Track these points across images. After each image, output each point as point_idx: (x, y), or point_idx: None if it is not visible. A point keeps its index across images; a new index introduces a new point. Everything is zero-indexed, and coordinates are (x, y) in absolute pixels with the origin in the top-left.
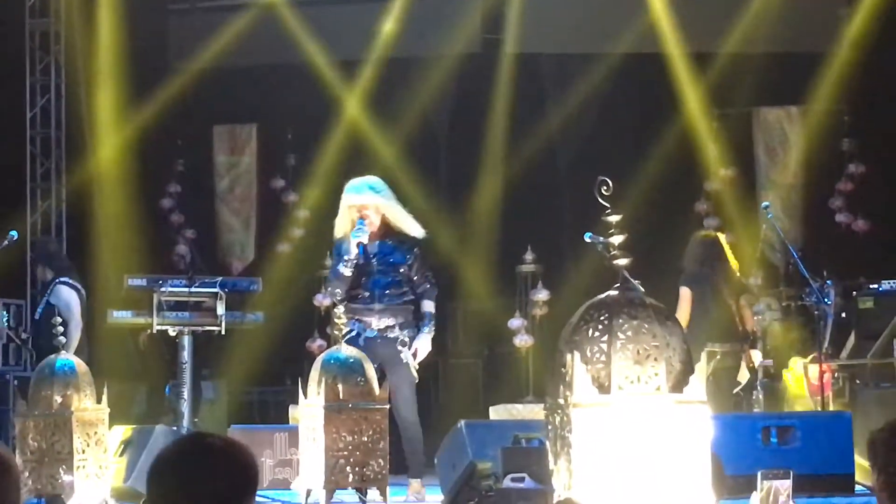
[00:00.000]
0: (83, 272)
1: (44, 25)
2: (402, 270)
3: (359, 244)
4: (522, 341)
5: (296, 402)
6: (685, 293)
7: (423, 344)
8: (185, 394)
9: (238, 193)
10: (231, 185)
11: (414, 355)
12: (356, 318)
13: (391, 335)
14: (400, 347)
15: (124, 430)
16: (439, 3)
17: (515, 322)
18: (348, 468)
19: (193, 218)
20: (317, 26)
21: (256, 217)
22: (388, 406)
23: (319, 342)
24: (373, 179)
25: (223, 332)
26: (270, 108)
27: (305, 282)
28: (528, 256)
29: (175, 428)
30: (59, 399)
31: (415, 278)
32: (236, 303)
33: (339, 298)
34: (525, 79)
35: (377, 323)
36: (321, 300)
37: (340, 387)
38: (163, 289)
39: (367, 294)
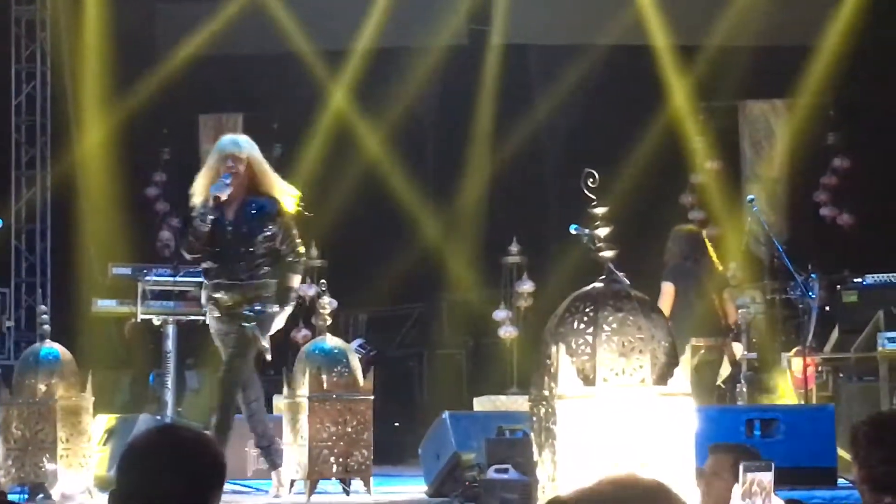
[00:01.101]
0: (68, 260)
1: (30, 13)
2: (264, 239)
3: (216, 198)
4: (507, 333)
5: (280, 392)
6: (668, 288)
7: (279, 321)
8: (169, 383)
9: None
10: None
11: (265, 332)
12: (209, 291)
13: (244, 310)
14: (246, 324)
15: (108, 419)
16: None
17: (500, 313)
18: (332, 459)
19: (179, 207)
20: (304, 16)
21: None
22: (371, 397)
23: (304, 332)
24: (245, 136)
25: (208, 322)
26: (257, 97)
27: None
28: (514, 248)
29: (159, 417)
30: (43, 387)
31: (281, 248)
32: None
33: (190, 258)
34: (512, 70)
35: (230, 297)
36: (306, 290)
37: (325, 377)
38: (147, 278)
39: (222, 264)
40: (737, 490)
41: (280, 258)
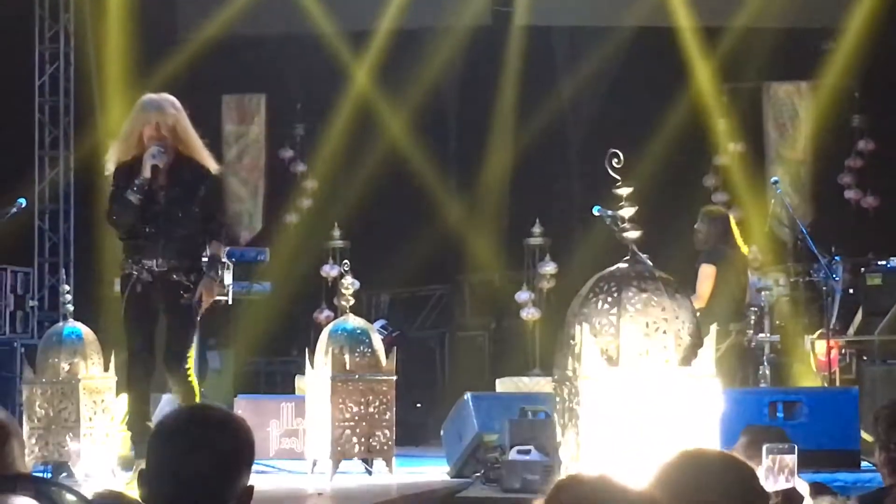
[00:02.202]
0: (90, 240)
1: None
2: (192, 205)
3: (155, 167)
4: (529, 314)
5: (302, 372)
6: (710, 270)
7: (207, 288)
8: None
9: (246, 163)
10: (239, 155)
11: (199, 301)
12: (136, 257)
13: (174, 278)
14: (183, 293)
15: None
16: None
17: (522, 295)
18: (354, 439)
19: None
20: None
21: (264, 187)
22: (394, 377)
23: (327, 313)
24: (171, 97)
25: (230, 302)
26: (279, 78)
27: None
28: (536, 229)
29: None
30: (66, 367)
31: (204, 216)
32: (244, 273)
33: (123, 233)
34: (535, 51)
35: (159, 263)
36: (328, 271)
37: (347, 357)
38: None
39: (151, 229)
40: (760, 472)
41: (210, 223)
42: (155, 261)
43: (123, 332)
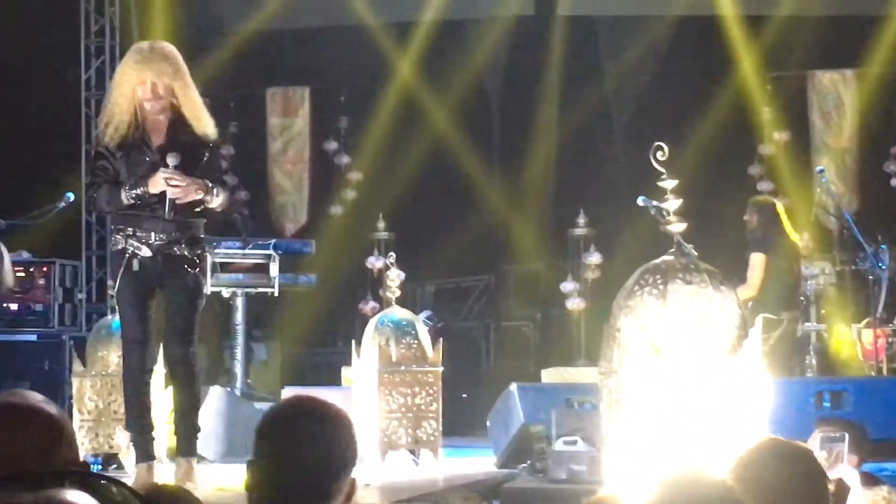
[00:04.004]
0: None
1: None
2: (194, 172)
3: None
4: (575, 304)
5: (348, 363)
6: (760, 259)
7: (198, 183)
8: (239, 355)
9: (291, 156)
10: (284, 148)
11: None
12: (132, 230)
13: (175, 252)
14: (187, 267)
15: None
16: None
17: (567, 285)
18: (401, 430)
19: (247, 180)
20: None
21: (309, 179)
22: (440, 369)
23: (372, 304)
24: (169, 47)
25: (276, 294)
26: (323, 70)
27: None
28: (581, 220)
29: (229, 389)
30: (115, 359)
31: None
32: (289, 265)
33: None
34: (579, 41)
35: (159, 237)
36: (373, 262)
37: (393, 349)
38: (217, 250)
39: (158, 198)
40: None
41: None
42: (154, 234)
43: (120, 318)
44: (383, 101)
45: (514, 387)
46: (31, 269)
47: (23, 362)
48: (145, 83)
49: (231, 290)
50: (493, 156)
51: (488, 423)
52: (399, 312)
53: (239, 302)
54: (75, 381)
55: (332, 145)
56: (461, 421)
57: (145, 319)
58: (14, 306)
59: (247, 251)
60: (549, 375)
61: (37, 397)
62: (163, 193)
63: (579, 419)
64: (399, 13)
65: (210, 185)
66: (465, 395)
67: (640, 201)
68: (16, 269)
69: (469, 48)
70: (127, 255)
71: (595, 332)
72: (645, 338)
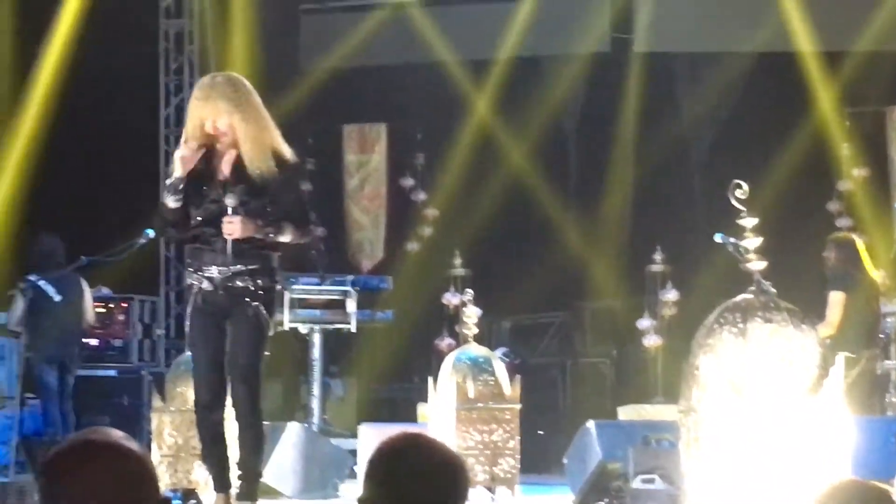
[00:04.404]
0: None
1: (178, 26)
2: (260, 203)
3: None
4: (651, 341)
5: (424, 399)
6: (839, 297)
7: (243, 222)
8: (316, 390)
9: (368, 192)
10: (361, 184)
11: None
12: (196, 264)
13: (238, 284)
14: (249, 300)
15: None
16: (568, 1)
17: (644, 322)
18: (478, 467)
19: (323, 216)
20: (447, 25)
21: (386, 216)
22: (518, 405)
23: (448, 341)
24: (231, 80)
25: (353, 330)
26: (400, 107)
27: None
28: (658, 256)
29: (306, 425)
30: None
31: (280, 215)
32: (366, 301)
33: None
34: (655, 78)
35: (221, 270)
36: (450, 299)
37: (470, 386)
38: (294, 286)
39: (210, 231)
40: None
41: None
42: (216, 267)
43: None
44: (460, 138)
45: (591, 424)
46: (111, 306)
47: (102, 397)
48: (207, 120)
49: (308, 325)
50: (569, 192)
51: (565, 461)
52: (476, 349)
53: (316, 338)
54: (154, 417)
55: (408, 182)
56: (538, 458)
57: (210, 354)
58: (94, 342)
59: (324, 287)
60: (626, 413)
61: (118, 434)
62: (216, 227)
63: (657, 457)
64: (476, 50)
65: (263, 223)
66: (541, 432)
67: (718, 238)
68: (96, 305)
69: (546, 85)
70: (193, 290)
71: (672, 370)
72: (724, 376)
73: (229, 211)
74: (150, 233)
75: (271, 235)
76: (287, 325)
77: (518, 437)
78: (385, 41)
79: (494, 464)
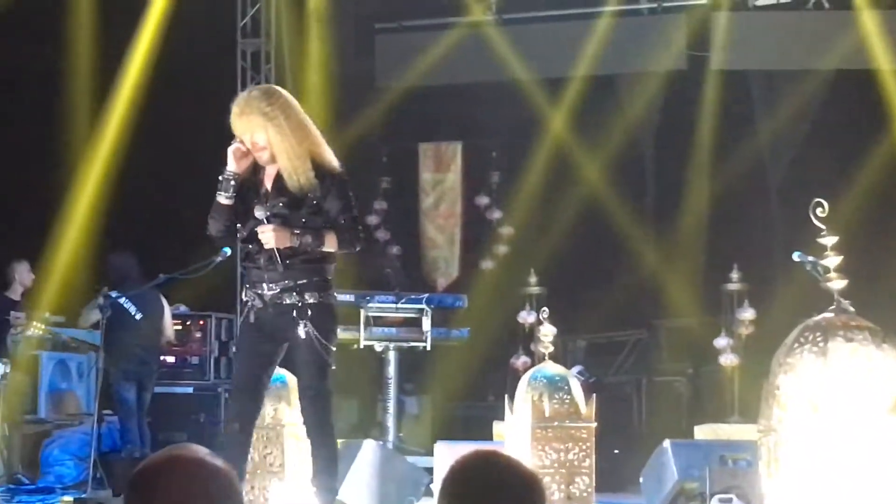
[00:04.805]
0: None
1: (254, 45)
2: (305, 216)
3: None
4: (728, 360)
5: (498, 417)
6: None
7: (278, 230)
8: (391, 408)
9: (443, 210)
10: (436, 202)
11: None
12: (250, 281)
13: (286, 301)
14: (298, 318)
15: None
16: (645, 20)
17: (721, 341)
18: (554, 486)
19: (399, 234)
20: (522, 44)
21: (461, 234)
22: (594, 424)
23: (524, 359)
24: (263, 94)
25: (429, 348)
26: (475, 125)
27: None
28: (734, 274)
29: (382, 442)
30: (271, 412)
31: (329, 226)
32: (441, 319)
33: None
34: (732, 96)
35: (269, 286)
36: (525, 317)
37: (546, 404)
38: (370, 304)
39: (255, 248)
40: None
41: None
42: (265, 284)
43: None
44: (535, 156)
45: (667, 443)
46: (189, 323)
47: (179, 414)
48: (244, 136)
49: (384, 343)
50: (646, 210)
51: (641, 480)
52: (552, 368)
53: (391, 355)
54: None
55: (483, 200)
56: (614, 477)
57: (246, 372)
58: (171, 359)
59: (399, 305)
60: (703, 432)
61: (203, 450)
62: (260, 243)
63: (734, 477)
64: (551, 69)
65: (299, 232)
66: (617, 451)
67: (796, 257)
68: (174, 322)
69: (621, 103)
70: (247, 307)
71: (749, 389)
72: (805, 396)
73: (263, 221)
74: (228, 251)
75: (310, 243)
76: (362, 343)
77: (594, 456)
78: (460, 59)
79: (570, 482)
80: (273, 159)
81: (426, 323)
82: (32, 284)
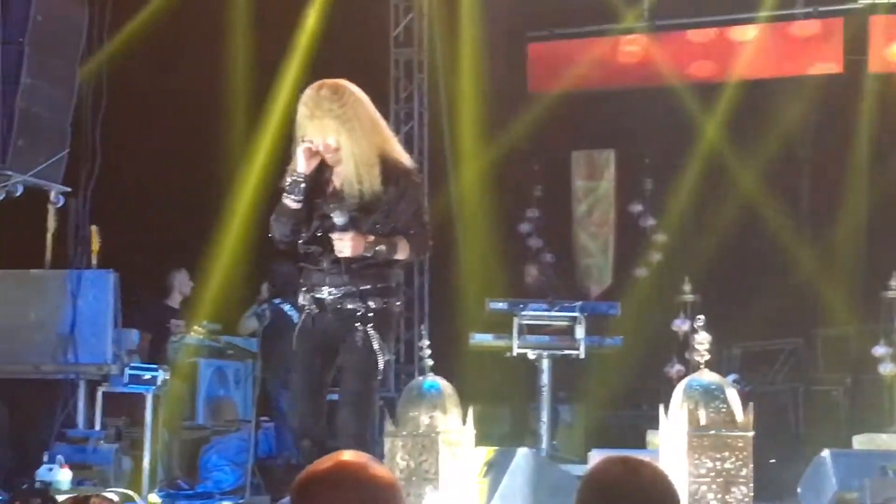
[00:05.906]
0: (446, 295)
1: (408, 55)
2: (372, 219)
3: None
4: (887, 369)
5: (652, 426)
6: None
7: (354, 239)
8: (544, 417)
9: (596, 218)
10: (589, 210)
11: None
12: (308, 285)
13: (348, 306)
14: (358, 325)
15: (487, 452)
16: (800, 24)
17: (880, 349)
18: (710, 495)
19: (551, 242)
20: (675, 50)
21: (614, 241)
22: (751, 433)
23: (678, 367)
24: (336, 93)
25: (582, 356)
26: (628, 132)
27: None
28: (894, 282)
29: (536, 450)
30: (426, 420)
31: (395, 229)
32: (595, 327)
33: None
34: (890, 100)
35: (329, 291)
36: (679, 325)
37: (702, 413)
38: (523, 312)
39: (318, 251)
40: None
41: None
42: (326, 287)
43: None
44: (689, 163)
45: (826, 453)
46: None
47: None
48: (315, 138)
49: (537, 351)
50: (802, 216)
51: (799, 490)
52: (708, 376)
53: (545, 364)
54: (387, 441)
55: (636, 207)
56: (770, 486)
57: (306, 382)
58: None
59: (553, 313)
60: (861, 442)
61: (367, 457)
62: (324, 245)
63: (895, 487)
64: (705, 74)
65: (375, 240)
66: (773, 461)
67: None
68: None
69: (776, 108)
70: (304, 311)
71: None
72: None
73: (339, 228)
74: None
75: (384, 253)
76: (515, 351)
77: (751, 465)
78: (612, 66)
79: (727, 492)
80: (341, 161)
81: (580, 331)
82: (191, 293)
